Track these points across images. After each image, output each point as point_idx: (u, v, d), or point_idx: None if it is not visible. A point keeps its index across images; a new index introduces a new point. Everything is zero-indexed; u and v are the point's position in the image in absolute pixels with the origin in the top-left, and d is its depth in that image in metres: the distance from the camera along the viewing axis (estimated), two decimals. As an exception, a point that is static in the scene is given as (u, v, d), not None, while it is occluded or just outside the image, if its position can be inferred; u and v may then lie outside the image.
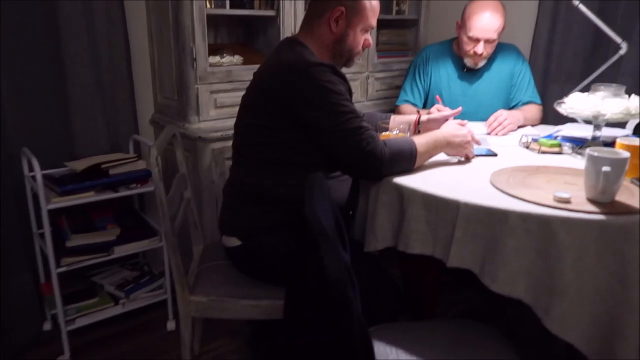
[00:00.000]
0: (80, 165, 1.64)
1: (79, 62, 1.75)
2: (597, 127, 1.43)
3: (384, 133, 1.40)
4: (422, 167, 1.28)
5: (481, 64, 1.91)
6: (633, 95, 1.38)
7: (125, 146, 1.90)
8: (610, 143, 1.42)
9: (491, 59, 1.94)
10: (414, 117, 1.57)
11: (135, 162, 1.72)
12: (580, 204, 1.02)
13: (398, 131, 1.39)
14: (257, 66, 1.35)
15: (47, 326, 1.78)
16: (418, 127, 1.56)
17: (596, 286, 0.98)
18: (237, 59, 1.89)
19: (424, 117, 1.56)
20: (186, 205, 1.49)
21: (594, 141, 1.44)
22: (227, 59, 1.86)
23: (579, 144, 1.50)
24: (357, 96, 2.24)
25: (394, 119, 1.58)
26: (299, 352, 1.31)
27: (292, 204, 1.22)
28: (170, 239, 1.25)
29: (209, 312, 1.31)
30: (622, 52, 1.78)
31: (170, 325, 1.82)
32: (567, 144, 1.52)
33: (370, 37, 1.36)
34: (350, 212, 1.36)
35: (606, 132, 1.49)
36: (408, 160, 1.24)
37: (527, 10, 2.15)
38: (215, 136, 1.73)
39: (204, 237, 1.66)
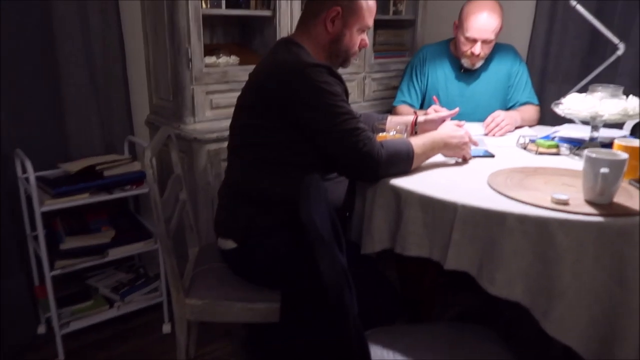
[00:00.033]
0: (74, 166, 1.62)
1: (73, 62, 1.73)
2: (595, 128, 1.43)
3: (380, 134, 1.39)
4: (419, 169, 1.27)
5: (478, 64, 1.90)
6: (631, 96, 1.38)
7: (120, 147, 1.89)
8: (608, 144, 1.42)
9: (488, 60, 1.93)
10: (411, 118, 1.57)
11: (130, 164, 1.70)
12: (578, 206, 1.02)
13: (395, 132, 1.39)
14: (253, 67, 1.34)
15: (41, 330, 1.76)
16: (415, 128, 1.55)
17: (594, 288, 0.97)
18: (234, 59, 1.88)
19: (421, 118, 1.55)
20: (181, 207, 1.48)
21: (592, 142, 1.43)
22: (223, 59, 1.85)
23: (576, 144, 1.50)
24: (354, 97, 2.23)
25: (391, 119, 1.58)
26: (296, 355, 1.30)
27: (289, 204, 1.21)
28: (164, 241, 1.23)
29: (204, 315, 1.29)
30: (619, 52, 1.78)
31: (166, 328, 1.80)
32: (565, 144, 1.51)
33: (366, 38, 1.35)
34: (347, 214, 1.35)
35: (604, 133, 1.49)
36: (405, 162, 1.23)
37: (525, 11, 2.14)
38: (211, 137, 1.72)
39: (200, 239, 1.65)
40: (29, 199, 1.62)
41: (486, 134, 1.71)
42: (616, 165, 1.00)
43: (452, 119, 1.50)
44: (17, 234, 1.67)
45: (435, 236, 1.10)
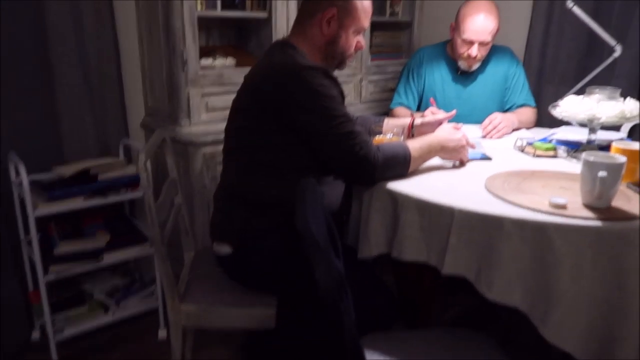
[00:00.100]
0: (68, 170, 1.61)
1: (66, 62, 1.71)
2: (592, 130, 1.42)
3: (377, 137, 1.38)
4: (416, 172, 1.26)
5: (475, 66, 1.89)
6: (628, 98, 1.37)
7: (115, 150, 1.87)
8: (605, 146, 1.41)
9: (485, 62, 1.93)
10: (407, 120, 1.56)
11: (125, 167, 1.69)
12: (576, 210, 1.01)
13: (392, 135, 1.38)
14: (249, 69, 1.32)
15: (35, 335, 1.74)
16: (412, 131, 1.54)
17: (593, 293, 0.96)
18: (230, 61, 1.87)
19: (417, 121, 1.54)
20: (177, 211, 1.46)
21: (589, 144, 1.43)
22: (219, 61, 1.83)
23: (574, 147, 1.49)
24: (351, 99, 2.22)
25: (388, 122, 1.57)
26: (292, 358, 1.29)
27: (285, 206, 1.20)
28: (159, 247, 1.22)
29: (199, 320, 1.28)
30: (616, 54, 1.77)
31: (162, 333, 1.78)
32: (562, 147, 1.50)
33: (362, 39, 1.34)
34: (344, 218, 1.34)
35: (601, 135, 1.48)
36: (402, 165, 1.22)
37: (522, 12, 2.14)
38: (206, 140, 1.70)
39: (195, 244, 1.63)
40: (23, 203, 1.61)
41: (483, 137, 1.70)
42: (614, 169, 1.00)
43: (450, 121, 1.50)
44: (10, 239, 1.65)
45: (432, 240, 1.09)
